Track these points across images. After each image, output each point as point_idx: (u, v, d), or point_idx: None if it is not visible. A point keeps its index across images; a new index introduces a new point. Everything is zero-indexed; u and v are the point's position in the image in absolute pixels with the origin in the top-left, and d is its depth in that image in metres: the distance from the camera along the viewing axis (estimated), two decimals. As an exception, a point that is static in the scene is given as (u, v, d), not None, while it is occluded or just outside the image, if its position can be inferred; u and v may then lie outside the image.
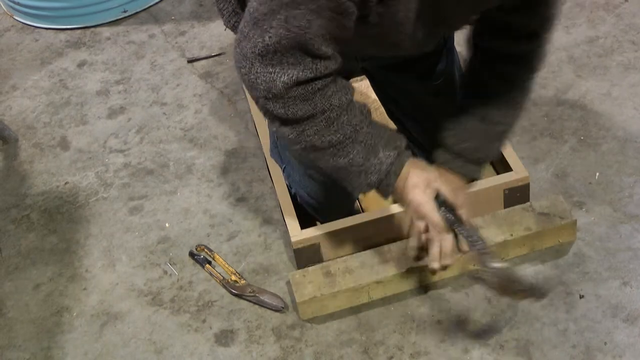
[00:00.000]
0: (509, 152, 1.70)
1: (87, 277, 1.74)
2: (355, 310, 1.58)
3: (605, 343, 1.46)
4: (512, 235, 1.59)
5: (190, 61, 2.31)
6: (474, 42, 1.51)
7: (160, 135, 2.08)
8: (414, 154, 1.75)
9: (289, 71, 1.21)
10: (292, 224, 1.63)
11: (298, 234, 1.61)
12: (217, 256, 1.72)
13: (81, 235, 1.84)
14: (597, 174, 1.77)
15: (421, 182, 1.36)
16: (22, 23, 2.60)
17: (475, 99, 1.51)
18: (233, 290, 1.64)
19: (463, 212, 1.39)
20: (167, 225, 1.83)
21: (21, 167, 2.05)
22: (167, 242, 1.79)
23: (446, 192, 1.37)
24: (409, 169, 1.36)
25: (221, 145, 2.02)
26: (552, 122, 1.92)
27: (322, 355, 1.52)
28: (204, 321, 1.61)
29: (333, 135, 1.29)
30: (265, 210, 1.82)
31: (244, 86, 1.32)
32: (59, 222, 1.88)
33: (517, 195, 1.65)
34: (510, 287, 1.38)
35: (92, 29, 2.52)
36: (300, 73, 1.21)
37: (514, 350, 1.47)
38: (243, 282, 1.66)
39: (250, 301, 1.62)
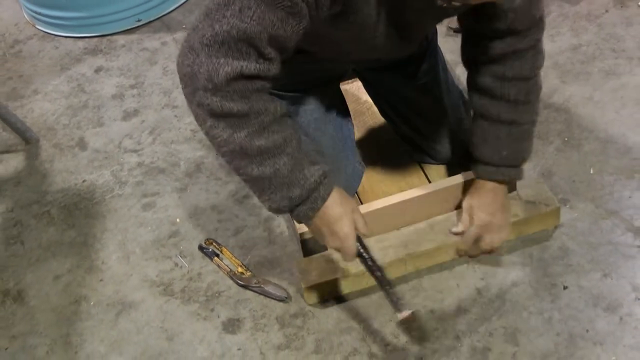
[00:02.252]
0: None
1: (103, 268, 1.74)
2: (354, 300, 1.58)
3: (587, 330, 1.46)
4: None
5: (200, 67, 2.30)
6: (468, 56, 1.50)
7: (171, 136, 2.08)
8: (411, 153, 1.75)
9: (234, 63, 1.15)
10: None
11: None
12: (225, 249, 1.71)
13: (98, 230, 1.84)
14: (580, 172, 1.77)
15: (347, 213, 1.30)
16: (44, 32, 2.60)
17: (493, 109, 1.48)
18: (239, 282, 1.64)
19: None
20: (177, 220, 1.83)
21: (42, 166, 2.05)
22: (178, 236, 1.79)
23: (361, 224, 1.33)
24: (335, 197, 1.29)
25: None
26: (538, 124, 1.89)
27: (322, 342, 1.51)
28: (212, 310, 1.61)
29: (263, 141, 1.21)
30: (270, 207, 1.81)
31: (181, 84, 1.22)
32: (77, 217, 1.88)
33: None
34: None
35: (108, 37, 2.51)
36: (245, 67, 1.15)
37: (502, 337, 1.47)
38: (249, 273, 1.65)
39: (255, 291, 1.62)
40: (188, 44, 1.17)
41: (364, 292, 1.58)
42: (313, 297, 1.57)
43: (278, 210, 1.30)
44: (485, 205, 1.52)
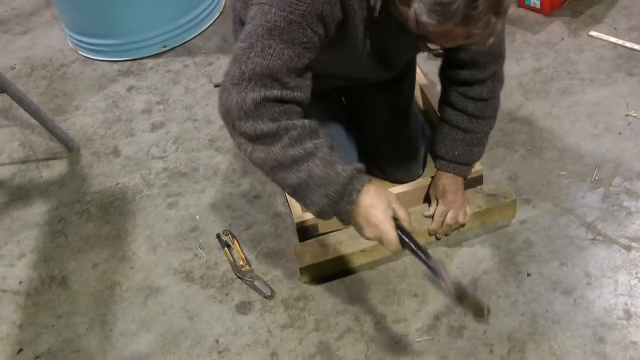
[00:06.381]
0: None
1: (134, 258, 1.73)
2: (349, 285, 1.57)
3: (547, 311, 1.45)
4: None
5: (217, 86, 2.29)
6: (441, 75, 1.53)
7: (192, 145, 2.07)
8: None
9: (259, 91, 1.15)
10: (295, 207, 1.63)
11: (300, 215, 1.61)
12: (236, 243, 1.70)
13: (129, 225, 1.83)
14: (542, 176, 1.76)
15: (382, 202, 1.19)
16: (84, 57, 2.59)
17: (454, 118, 1.53)
18: (237, 273, 1.63)
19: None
20: (197, 217, 1.82)
21: (82, 170, 2.05)
22: (197, 231, 1.78)
23: (402, 213, 1.21)
24: (370, 189, 1.20)
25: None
26: (505, 135, 1.91)
27: (321, 322, 1.51)
28: (227, 294, 1.60)
29: (295, 151, 1.17)
30: (276, 206, 1.81)
31: (224, 123, 1.20)
32: (112, 214, 1.87)
33: (473, 184, 1.68)
34: (461, 296, 1.25)
35: (139, 61, 2.51)
36: (269, 93, 1.16)
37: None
38: (247, 268, 1.64)
39: (246, 284, 1.60)
40: (222, 88, 1.18)
41: (358, 279, 1.58)
42: (308, 277, 1.57)
43: (323, 213, 1.21)
44: (448, 186, 1.57)
